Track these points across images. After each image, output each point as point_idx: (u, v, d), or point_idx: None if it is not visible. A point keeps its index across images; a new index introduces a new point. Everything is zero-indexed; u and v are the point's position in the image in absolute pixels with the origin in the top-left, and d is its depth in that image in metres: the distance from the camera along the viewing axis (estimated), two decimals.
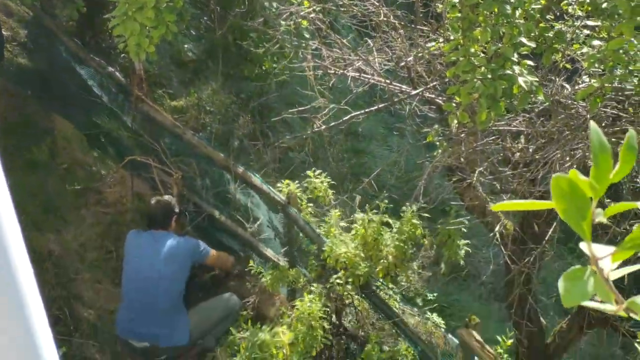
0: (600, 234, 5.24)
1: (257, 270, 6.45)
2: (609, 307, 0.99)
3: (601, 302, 1.01)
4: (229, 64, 8.81)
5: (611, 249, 1.00)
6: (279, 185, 6.72)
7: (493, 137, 5.94)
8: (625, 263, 1.21)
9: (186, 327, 6.64)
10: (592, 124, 0.97)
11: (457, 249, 5.91)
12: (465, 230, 5.95)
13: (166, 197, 6.97)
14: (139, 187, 7.98)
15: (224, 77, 8.75)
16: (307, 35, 7.44)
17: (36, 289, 1.17)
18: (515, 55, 4.58)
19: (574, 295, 0.95)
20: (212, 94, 8.59)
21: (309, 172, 6.41)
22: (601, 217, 0.98)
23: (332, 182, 6.47)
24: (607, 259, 1.00)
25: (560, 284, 0.97)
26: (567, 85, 5.74)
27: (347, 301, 6.14)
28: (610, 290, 0.98)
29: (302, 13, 6.82)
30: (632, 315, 0.99)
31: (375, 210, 5.96)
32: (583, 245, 1.00)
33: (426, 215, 5.95)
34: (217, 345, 6.67)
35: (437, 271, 6.20)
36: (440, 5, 5.66)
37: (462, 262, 6.02)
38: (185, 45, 8.80)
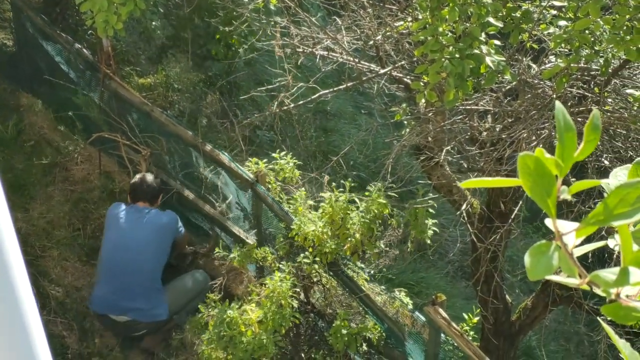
0: (566, 212, 5.30)
1: (224, 252, 6.46)
2: (573, 281, 1.02)
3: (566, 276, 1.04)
4: (197, 42, 8.77)
5: (575, 225, 1.03)
6: (247, 163, 6.72)
7: (460, 116, 5.98)
8: (589, 240, 1.24)
9: (165, 302, 6.69)
10: (558, 103, 1.00)
11: (424, 228, 5.95)
12: (433, 212, 5.99)
13: (149, 174, 7.02)
14: (107, 164, 7.95)
15: (192, 54, 8.71)
16: (275, 12, 7.43)
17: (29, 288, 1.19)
18: (483, 34, 4.61)
19: (538, 269, 0.98)
20: (180, 72, 8.55)
21: (274, 155, 6.42)
22: (566, 194, 1.01)
23: (299, 163, 6.48)
24: (571, 235, 1.02)
25: (526, 258, 0.99)
26: (534, 65, 5.78)
27: (315, 279, 6.17)
28: (574, 265, 1.01)
29: None
30: (594, 289, 1.03)
31: (341, 189, 5.97)
32: (548, 222, 1.03)
33: (394, 194, 5.98)
34: (188, 321, 6.70)
35: (404, 250, 6.23)
36: None
37: (429, 242, 6.05)
38: (153, 23, 8.74)
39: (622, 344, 1.30)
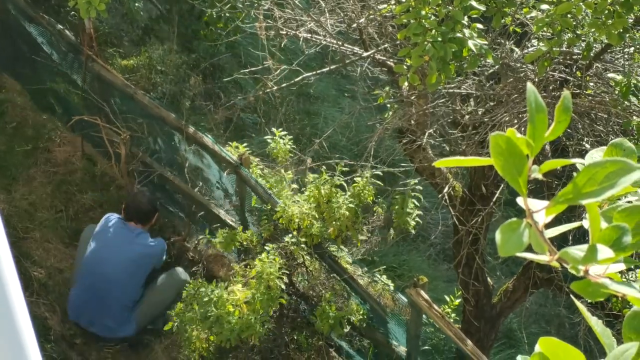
0: (547, 195, 5.33)
1: (207, 236, 6.46)
2: (543, 258, 1.04)
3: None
4: (180, 24, 8.74)
5: (545, 203, 1.05)
6: (227, 147, 6.72)
7: (443, 100, 5.99)
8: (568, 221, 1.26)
9: (133, 321, 6.70)
10: (529, 84, 1.02)
11: (407, 217, 5.96)
12: (417, 203, 6.01)
13: (146, 192, 6.97)
14: (89, 147, 7.93)
15: (175, 36, 8.68)
16: None
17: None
18: (466, 18, 4.62)
19: (509, 245, 1.00)
20: (163, 54, 8.52)
21: (275, 130, 6.41)
22: (537, 173, 1.03)
23: (292, 147, 6.49)
24: (541, 213, 1.05)
25: (497, 235, 1.01)
26: (517, 49, 5.81)
27: (299, 261, 6.19)
28: (544, 242, 1.03)
29: None
30: (564, 265, 1.05)
31: (329, 172, 5.98)
32: (519, 200, 1.05)
33: (378, 182, 5.99)
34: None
35: (386, 234, 6.26)
36: None
37: (412, 231, 6.08)
38: (136, 4, 8.70)
39: (594, 322, 1.32)
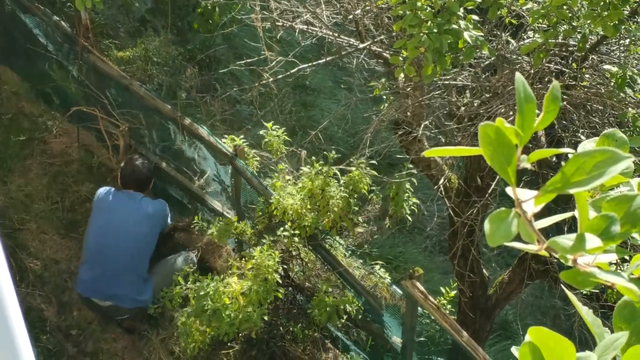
0: (541, 186, 5.32)
1: (203, 226, 6.45)
2: (531, 247, 1.05)
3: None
4: (176, 15, 8.73)
5: (534, 192, 1.06)
6: (225, 140, 6.71)
7: (439, 91, 5.99)
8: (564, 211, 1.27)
9: (150, 289, 6.66)
10: (518, 74, 1.02)
11: (403, 204, 5.96)
12: (412, 190, 6.01)
13: (140, 159, 6.94)
14: (85, 138, 7.92)
15: (171, 28, 8.66)
16: None
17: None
18: (461, 9, 4.62)
19: (497, 235, 1.00)
20: (159, 45, 8.50)
21: (267, 124, 6.41)
22: (525, 162, 1.03)
23: (287, 138, 6.48)
24: (530, 202, 1.05)
25: (486, 224, 1.02)
26: (512, 41, 5.80)
27: (293, 253, 6.19)
28: (533, 231, 1.03)
29: None
30: (553, 254, 1.05)
31: (321, 162, 5.98)
32: (508, 189, 1.05)
33: (374, 172, 6.00)
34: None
35: (382, 225, 6.27)
36: None
37: (408, 216, 6.08)
38: None
39: (585, 311, 1.33)
